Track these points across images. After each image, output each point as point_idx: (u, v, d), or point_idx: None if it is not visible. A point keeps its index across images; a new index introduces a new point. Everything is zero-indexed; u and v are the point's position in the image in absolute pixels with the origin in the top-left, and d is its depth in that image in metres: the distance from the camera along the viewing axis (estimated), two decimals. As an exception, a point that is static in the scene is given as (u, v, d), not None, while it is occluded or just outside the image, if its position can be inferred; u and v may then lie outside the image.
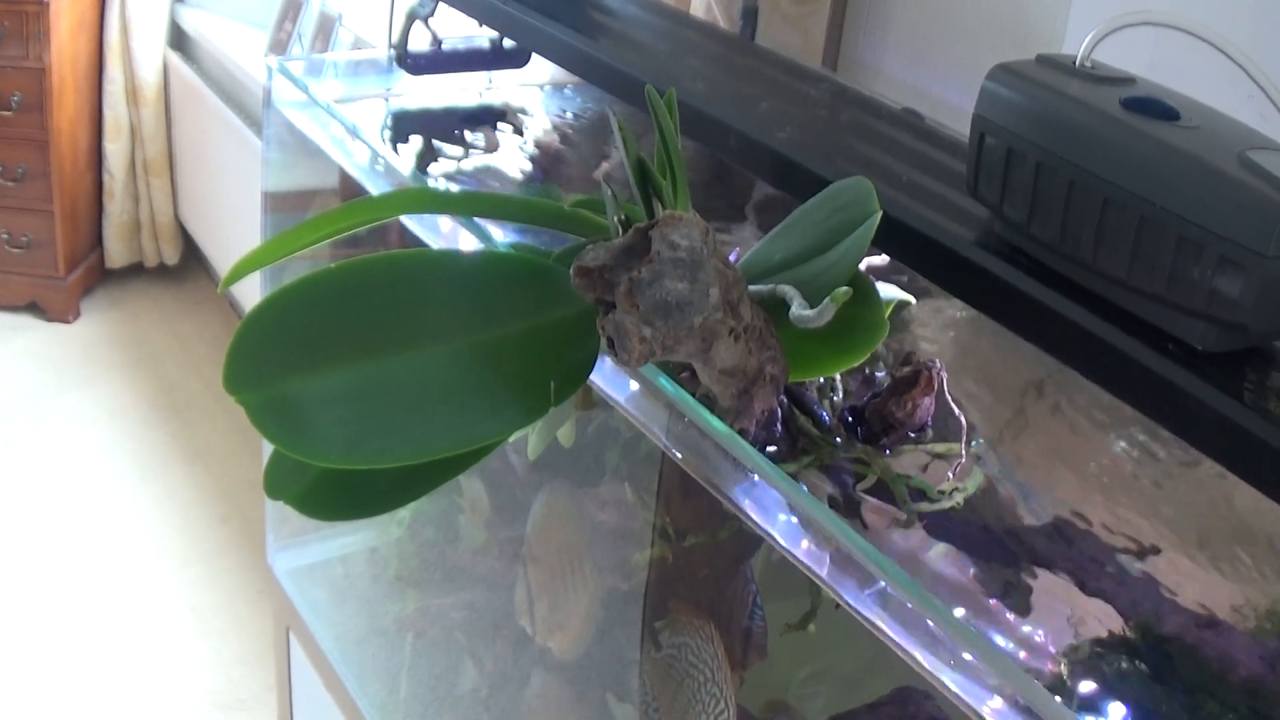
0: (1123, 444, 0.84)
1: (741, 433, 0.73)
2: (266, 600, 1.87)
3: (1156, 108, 0.66)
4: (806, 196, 0.77)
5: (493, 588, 1.05)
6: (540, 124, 1.26)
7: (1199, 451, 0.64)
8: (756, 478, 0.70)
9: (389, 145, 1.17)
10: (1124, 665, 0.75)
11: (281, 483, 0.78)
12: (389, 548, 1.17)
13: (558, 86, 1.30)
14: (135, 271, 2.90)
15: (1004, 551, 0.80)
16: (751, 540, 0.84)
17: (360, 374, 0.68)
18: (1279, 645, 0.74)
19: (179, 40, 2.79)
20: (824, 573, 0.68)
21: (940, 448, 0.80)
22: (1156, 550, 0.81)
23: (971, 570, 0.78)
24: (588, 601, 0.90)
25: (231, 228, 2.57)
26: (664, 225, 0.57)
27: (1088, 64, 0.70)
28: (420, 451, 0.69)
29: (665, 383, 0.75)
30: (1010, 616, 0.75)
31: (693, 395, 0.74)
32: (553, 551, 0.92)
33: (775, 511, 0.69)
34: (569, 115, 1.28)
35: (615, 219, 0.72)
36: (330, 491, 0.77)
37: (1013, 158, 0.69)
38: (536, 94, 1.30)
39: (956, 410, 0.75)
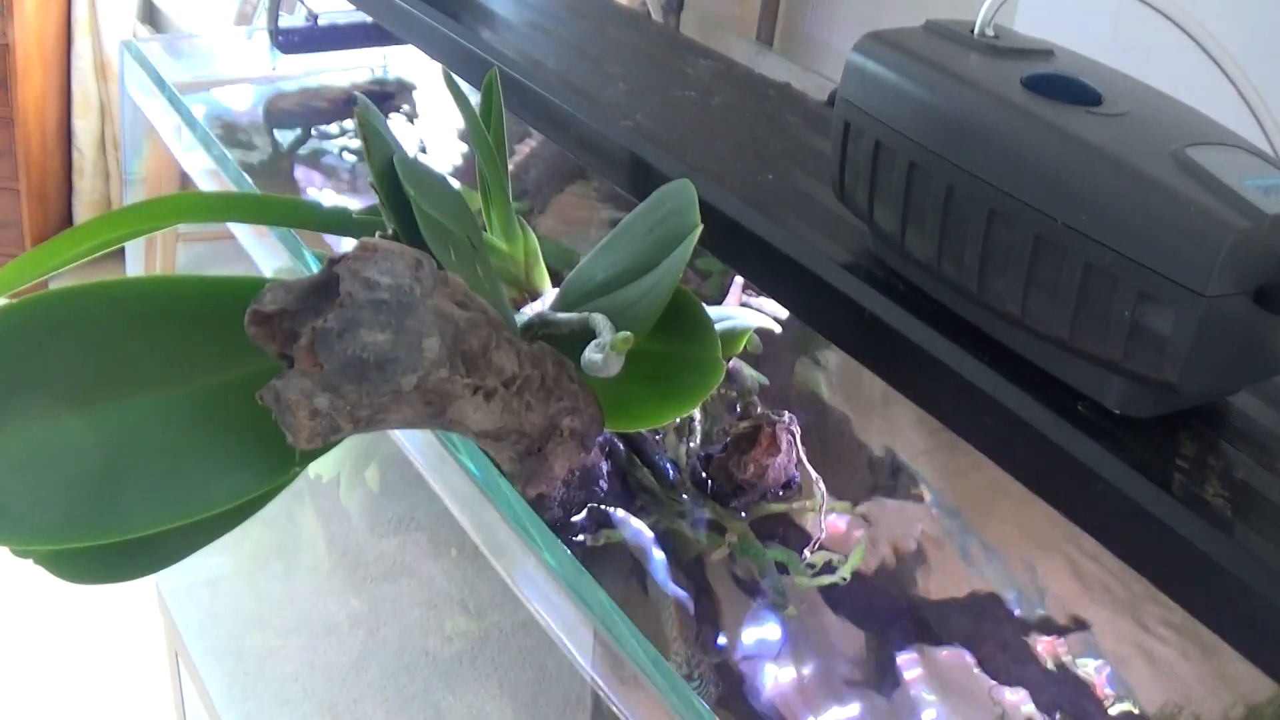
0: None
1: (539, 499, 0.55)
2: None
3: (1069, 88, 0.47)
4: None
5: (323, 634, 0.87)
6: (436, 107, 1.08)
7: (1112, 554, 0.45)
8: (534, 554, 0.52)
9: (271, 137, 0.99)
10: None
11: (24, 540, 0.60)
12: (241, 578, 0.99)
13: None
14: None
15: (901, 630, 0.62)
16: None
17: (38, 435, 0.50)
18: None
19: (149, 14, 2.60)
20: (595, 672, 0.50)
21: (812, 502, 0.61)
22: (1085, 626, 0.63)
23: (855, 655, 0.60)
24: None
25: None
26: (354, 259, 0.39)
27: (989, 31, 0.51)
28: (115, 528, 0.51)
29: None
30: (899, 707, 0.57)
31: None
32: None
33: (549, 595, 0.51)
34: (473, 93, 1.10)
35: (379, 235, 0.53)
36: (77, 553, 0.60)
37: (881, 154, 0.50)
38: (432, 70, 1.11)
39: (813, 474, 0.56)
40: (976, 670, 0.60)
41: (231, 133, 1.00)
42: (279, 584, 0.93)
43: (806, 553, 0.56)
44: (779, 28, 1.25)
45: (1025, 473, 0.47)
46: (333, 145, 1.03)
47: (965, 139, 0.46)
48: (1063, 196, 0.44)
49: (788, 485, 0.59)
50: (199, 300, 0.54)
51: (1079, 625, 0.63)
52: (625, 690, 0.48)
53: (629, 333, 0.44)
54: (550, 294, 0.67)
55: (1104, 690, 0.59)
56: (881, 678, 0.60)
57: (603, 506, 0.59)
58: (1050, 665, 0.61)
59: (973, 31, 0.51)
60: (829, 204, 0.58)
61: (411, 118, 1.06)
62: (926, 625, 0.62)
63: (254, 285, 0.57)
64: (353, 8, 1.06)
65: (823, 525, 0.56)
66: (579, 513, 0.58)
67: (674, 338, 0.53)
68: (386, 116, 1.07)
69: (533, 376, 0.47)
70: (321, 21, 1.05)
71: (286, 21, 1.06)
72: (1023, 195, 0.45)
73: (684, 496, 0.60)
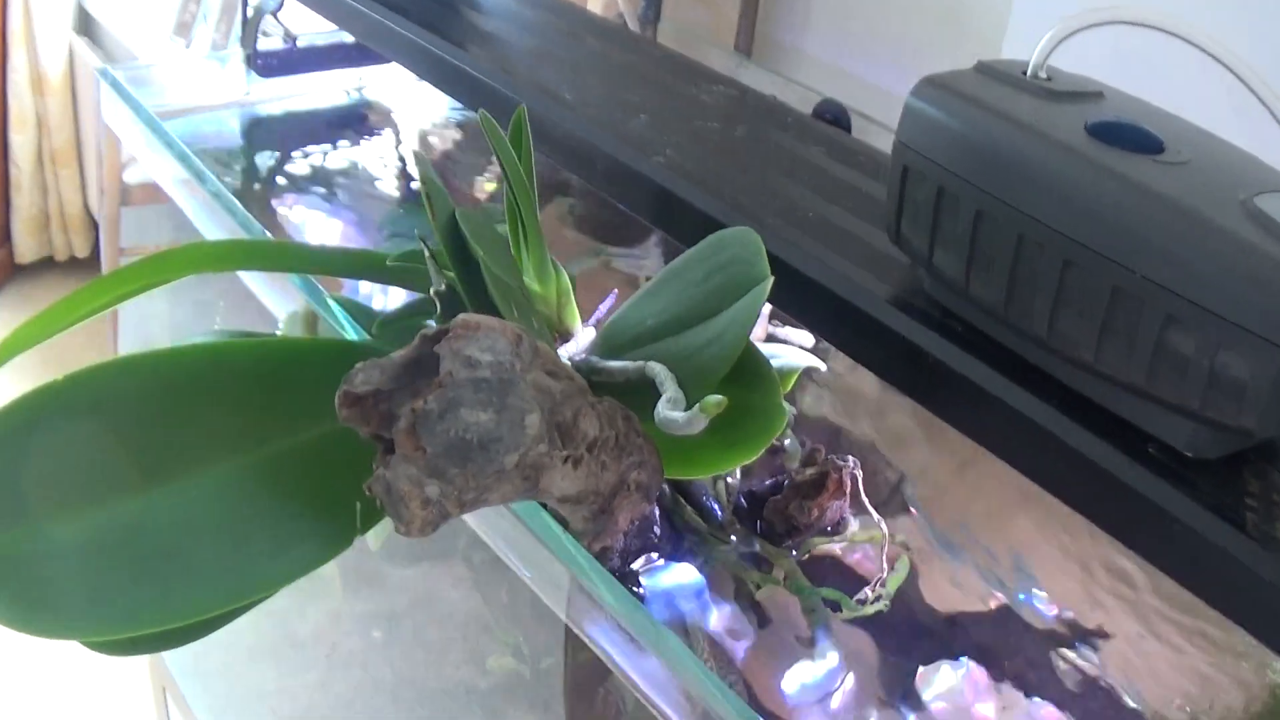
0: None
1: (603, 551, 0.55)
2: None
3: (1133, 135, 0.48)
4: (687, 236, 0.59)
5: (339, 667, 0.86)
6: (417, 128, 1.07)
7: (1190, 592, 0.46)
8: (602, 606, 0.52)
9: (244, 164, 0.98)
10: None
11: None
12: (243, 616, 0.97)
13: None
14: (46, 266, 2.65)
15: (933, 650, 0.62)
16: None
17: (103, 518, 0.49)
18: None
19: (85, 25, 2.55)
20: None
21: (860, 536, 0.62)
22: (1109, 636, 0.64)
23: (884, 679, 0.61)
24: None
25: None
26: (456, 338, 0.39)
27: (1041, 74, 0.52)
28: (183, 611, 0.50)
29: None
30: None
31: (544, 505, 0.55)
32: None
33: (624, 646, 0.51)
34: (453, 116, 1.09)
35: (433, 290, 0.53)
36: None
37: (944, 200, 0.50)
38: (413, 92, 1.10)
39: (875, 515, 0.57)
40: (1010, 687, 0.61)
41: (209, 158, 0.99)
42: (281, 619, 0.92)
43: (868, 591, 0.56)
44: (755, 36, 1.26)
45: (1094, 512, 0.48)
46: (311, 169, 1.01)
47: (1037, 189, 0.47)
48: (1140, 249, 0.44)
49: (838, 524, 0.60)
50: (246, 369, 0.53)
51: (1104, 635, 0.64)
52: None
53: (722, 397, 0.44)
54: (582, 333, 0.67)
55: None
56: (912, 699, 0.61)
57: (656, 554, 0.59)
58: (1078, 679, 0.62)
59: (1025, 73, 0.52)
60: (872, 241, 0.59)
61: (397, 141, 1.05)
62: (959, 645, 0.63)
63: (298, 348, 0.57)
64: (330, 28, 1.05)
65: (884, 565, 0.57)
66: (636, 560, 0.58)
67: (735, 385, 0.53)
68: (363, 138, 1.06)
69: (609, 437, 0.47)
70: (300, 43, 1.04)
71: (264, 44, 1.04)
72: (1099, 247, 0.45)
73: (732, 538, 0.60)
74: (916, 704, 0.60)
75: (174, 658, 1.13)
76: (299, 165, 1.01)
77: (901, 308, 0.53)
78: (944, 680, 0.61)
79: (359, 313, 0.66)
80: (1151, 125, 0.48)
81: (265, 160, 1.01)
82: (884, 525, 0.56)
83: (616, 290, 0.73)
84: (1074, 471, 0.48)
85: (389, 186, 0.98)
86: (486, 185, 1.02)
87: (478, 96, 0.73)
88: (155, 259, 0.64)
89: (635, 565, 0.58)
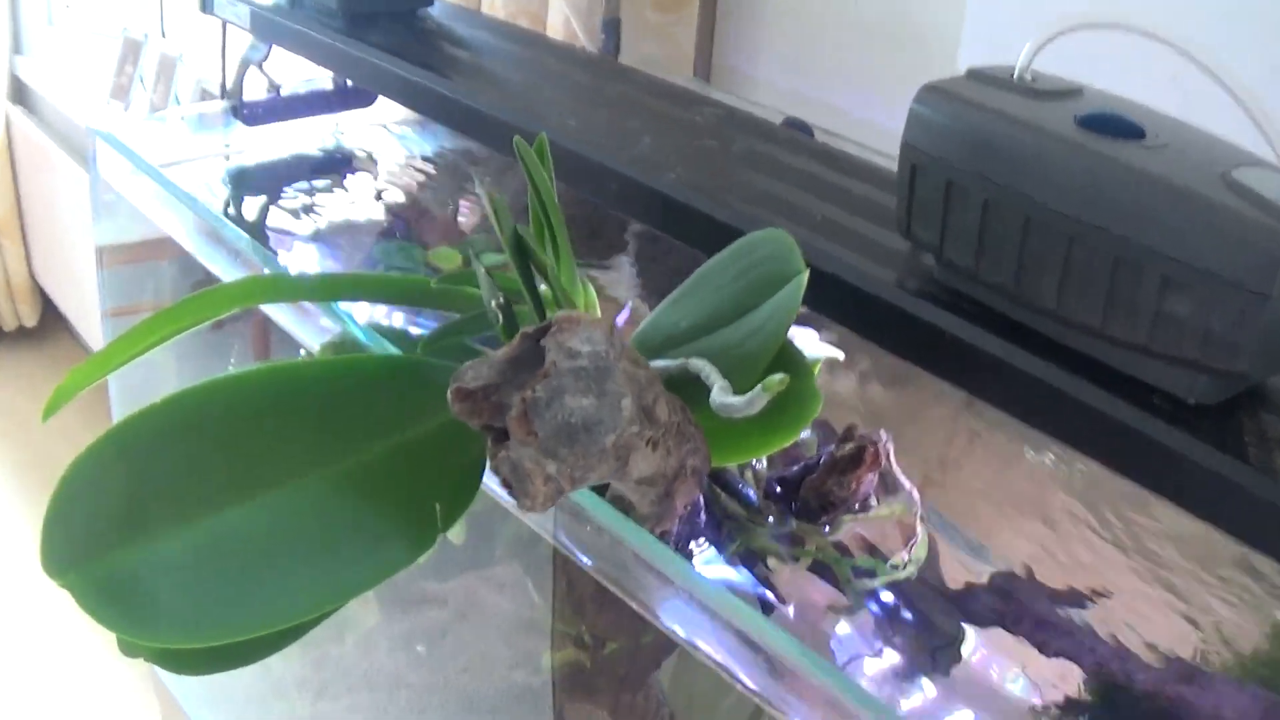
0: (1066, 480, 0.72)
1: (663, 535, 0.59)
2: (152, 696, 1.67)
3: (1118, 125, 0.54)
4: (706, 245, 0.64)
5: (381, 688, 0.90)
6: (394, 168, 1.11)
7: (1206, 522, 0.52)
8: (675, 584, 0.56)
9: (229, 210, 1.01)
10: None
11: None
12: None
13: (410, 123, 1.15)
14: (-7, 336, 2.66)
15: (951, 618, 0.68)
16: (665, 648, 0.70)
17: (201, 531, 0.53)
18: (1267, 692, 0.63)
19: (19, 93, 2.55)
20: (758, 684, 0.55)
21: (884, 511, 0.67)
22: (1109, 595, 0.69)
23: (914, 645, 0.66)
24: None
25: (90, 284, 2.35)
26: (559, 331, 0.43)
27: (1027, 76, 0.58)
28: (281, 615, 0.54)
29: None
30: (962, 693, 0.63)
31: (600, 494, 0.60)
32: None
33: (699, 619, 0.56)
34: (426, 155, 1.13)
35: (493, 303, 0.57)
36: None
37: (953, 193, 0.56)
38: (388, 134, 1.15)
39: (907, 484, 0.62)
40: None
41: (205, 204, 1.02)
42: (317, 649, 0.96)
43: (904, 555, 0.62)
44: (712, 66, 1.32)
45: (1116, 460, 0.54)
46: (302, 211, 1.05)
47: (1038, 175, 0.53)
48: (1136, 220, 0.50)
49: (865, 501, 0.65)
50: (319, 386, 0.57)
51: (1104, 594, 0.69)
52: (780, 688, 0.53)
53: (784, 375, 0.49)
54: (607, 343, 0.71)
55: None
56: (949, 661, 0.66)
57: (702, 539, 0.64)
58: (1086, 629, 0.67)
59: (1012, 76, 0.58)
60: (875, 237, 0.64)
61: (378, 180, 1.09)
62: (973, 609, 0.68)
63: (361, 364, 0.61)
64: (310, 76, 1.09)
65: (918, 530, 0.62)
66: (687, 544, 0.62)
67: (771, 373, 0.58)
68: (347, 176, 1.11)
69: (675, 422, 0.52)
70: (283, 92, 1.08)
71: (250, 94, 1.08)
72: (1098, 221, 0.51)
73: (769, 520, 0.65)
74: (953, 665, 0.65)
75: (189, 697, 1.15)
76: (290, 207, 1.04)
77: (919, 295, 0.59)
78: (969, 642, 0.66)
79: (391, 336, 0.71)
80: (1131, 115, 0.55)
81: (257, 206, 1.05)
82: (915, 494, 0.62)
83: (631, 301, 0.78)
84: (1091, 426, 0.53)
85: (375, 223, 1.02)
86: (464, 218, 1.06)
87: (485, 129, 0.78)
88: (204, 295, 0.68)
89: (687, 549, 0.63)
